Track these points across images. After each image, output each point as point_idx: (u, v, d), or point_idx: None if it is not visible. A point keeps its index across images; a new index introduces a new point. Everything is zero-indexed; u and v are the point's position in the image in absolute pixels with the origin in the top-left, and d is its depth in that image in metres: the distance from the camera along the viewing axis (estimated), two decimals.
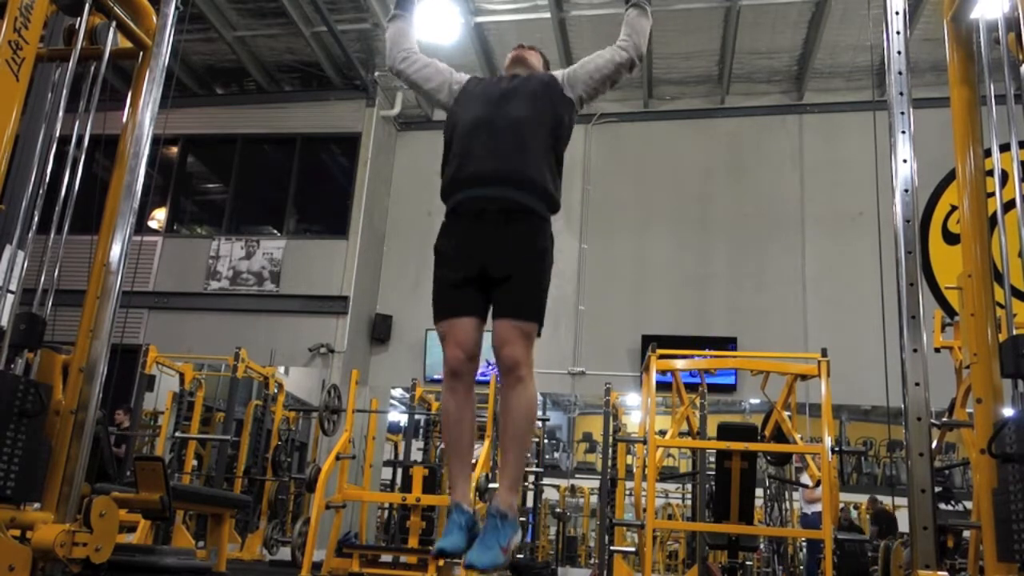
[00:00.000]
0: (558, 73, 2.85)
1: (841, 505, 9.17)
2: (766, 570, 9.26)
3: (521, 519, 10.33)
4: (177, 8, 3.14)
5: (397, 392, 12.34)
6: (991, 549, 2.21)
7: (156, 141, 3.09)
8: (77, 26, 2.81)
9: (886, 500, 12.41)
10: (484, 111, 2.72)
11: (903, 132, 2.71)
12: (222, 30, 10.15)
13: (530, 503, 10.82)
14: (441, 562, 6.12)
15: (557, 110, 2.74)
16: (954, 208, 8.46)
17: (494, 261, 2.55)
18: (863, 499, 12.46)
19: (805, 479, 8.25)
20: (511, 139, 2.64)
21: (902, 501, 8.54)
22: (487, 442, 6.57)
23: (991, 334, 2.38)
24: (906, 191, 2.66)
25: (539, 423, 9.85)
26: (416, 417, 8.57)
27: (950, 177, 8.53)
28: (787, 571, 9.15)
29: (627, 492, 7.90)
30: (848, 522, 10.57)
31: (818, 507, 8.35)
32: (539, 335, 2.59)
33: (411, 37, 2.95)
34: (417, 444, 8.77)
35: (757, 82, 10.61)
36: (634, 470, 6.79)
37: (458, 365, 2.56)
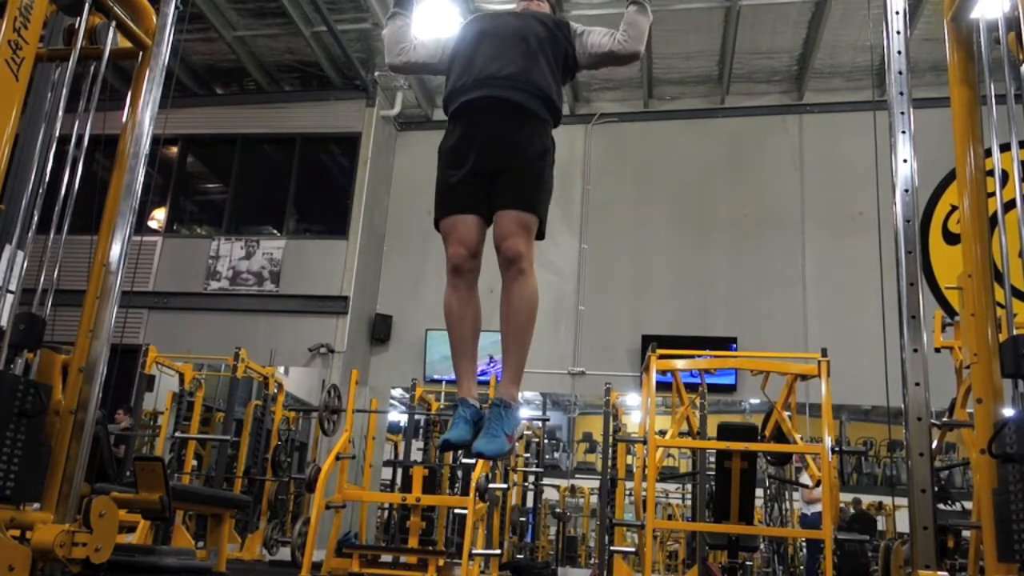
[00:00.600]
0: (574, 25, 2.88)
1: (841, 505, 9.17)
2: (766, 570, 9.26)
3: (521, 519, 10.36)
4: (177, 8, 3.13)
5: (397, 392, 12.34)
6: (991, 549, 2.21)
7: (156, 141, 3.09)
8: (77, 26, 2.81)
9: (871, 500, 12.43)
10: (490, 24, 2.78)
11: (903, 132, 2.71)
12: (222, 30, 10.15)
13: (530, 503, 10.84)
14: (441, 562, 6.13)
15: (563, 44, 2.77)
16: (954, 208, 8.46)
17: (495, 155, 2.57)
18: (864, 499, 12.47)
19: (805, 479, 8.25)
20: (517, 45, 2.67)
21: (902, 501, 8.53)
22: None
23: (991, 334, 2.38)
24: (906, 191, 2.66)
25: (539, 423, 9.86)
26: (416, 417, 8.57)
27: (950, 177, 8.54)
28: (787, 571, 9.15)
29: (627, 492, 7.90)
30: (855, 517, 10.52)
31: (818, 507, 8.35)
32: (542, 236, 2.59)
33: (407, 35, 2.96)
34: (417, 444, 8.77)
35: (757, 82, 10.61)
36: (634, 470, 6.79)
37: (460, 261, 2.57)
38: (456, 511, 7.64)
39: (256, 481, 8.29)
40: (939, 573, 2.31)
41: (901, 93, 2.74)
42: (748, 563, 6.87)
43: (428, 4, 8.92)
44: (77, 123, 2.87)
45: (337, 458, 6.14)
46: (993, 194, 2.59)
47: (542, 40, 2.71)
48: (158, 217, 11.48)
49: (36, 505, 2.56)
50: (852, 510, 10.74)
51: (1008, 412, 2.25)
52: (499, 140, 2.58)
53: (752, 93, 10.73)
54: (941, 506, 5.88)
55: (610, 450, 7.73)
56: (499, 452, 2.40)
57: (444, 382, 10.17)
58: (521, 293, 2.51)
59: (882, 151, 2.89)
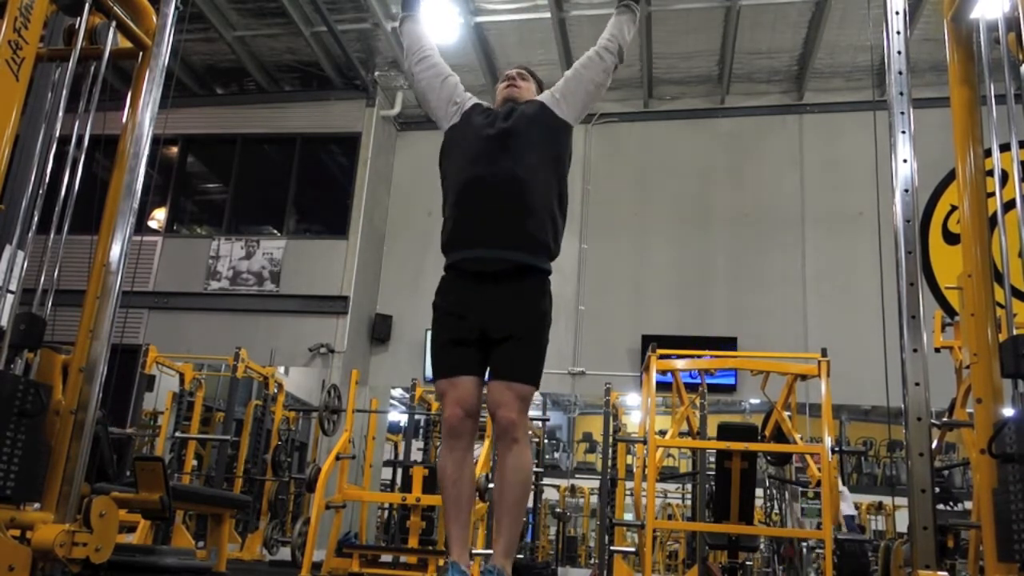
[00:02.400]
0: (546, 96, 2.82)
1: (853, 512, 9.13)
2: (766, 570, 9.26)
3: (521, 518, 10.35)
4: (177, 8, 3.13)
5: (397, 392, 12.34)
6: (991, 549, 2.21)
7: (156, 141, 3.09)
8: (77, 26, 2.81)
9: (871, 500, 12.42)
10: (481, 167, 2.68)
11: (903, 132, 2.71)
12: (222, 30, 10.15)
13: (530, 503, 10.83)
14: (441, 562, 6.13)
15: (555, 143, 2.74)
16: (954, 208, 8.46)
17: (493, 323, 2.57)
18: (864, 499, 12.47)
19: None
20: (510, 198, 2.64)
21: (902, 501, 8.52)
22: (487, 442, 6.57)
23: (991, 334, 2.38)
24: (906, 191, 2.66)
25: (539, 423, 9.85)
26: (416, 417, 8.57)
27: (950, 177, 8.52)
28: (787, 571, 9.14)
29: (627, 492, 7.90)
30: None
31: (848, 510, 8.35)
32: (536, 386, 2.62)
33: (426, 37, 2.94)
34: (417, 444, 8.77)
35: (757, 82, 10.61)
36: (634, 470, 6.79)
37: (457, 423, 2.58)
38: None
39: (256, 481, 8.29)
40: (939, 573, 2.32)
41: (901, 93, 2.74)
42: (748, 563, 6.87)
43: (428, 4, 8.92)
44: (77, 123, 2.87)
45: (337, 458, 6.14)
46: (993, 194, 2.59)
47: (535, 174, 2.66)
48: (158, 217, 11.48)
49: (36, 505, 2.56)
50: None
51: (1008, 412, 2.25)
52: (497, 308, 2.58)
53: (752, 93, 10.73)
54: (941, 506, 5.88)
55: (610, 450, 7.73)
56: None
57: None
58: (515, 466, 2.53)
59: (882, 151, 2.89)
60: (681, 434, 6.60)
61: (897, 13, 2.83)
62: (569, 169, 2.82)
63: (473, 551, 5.66)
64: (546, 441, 12.26)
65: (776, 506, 9.52)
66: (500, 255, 2.59)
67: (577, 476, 14.25)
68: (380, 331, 10.79)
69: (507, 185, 2.64)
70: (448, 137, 2.82)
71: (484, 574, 2.46)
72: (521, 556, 9.69)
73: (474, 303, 2.59)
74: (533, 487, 10.29)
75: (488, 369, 2.62)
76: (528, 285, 2.63)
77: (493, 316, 2.57)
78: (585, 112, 2.86)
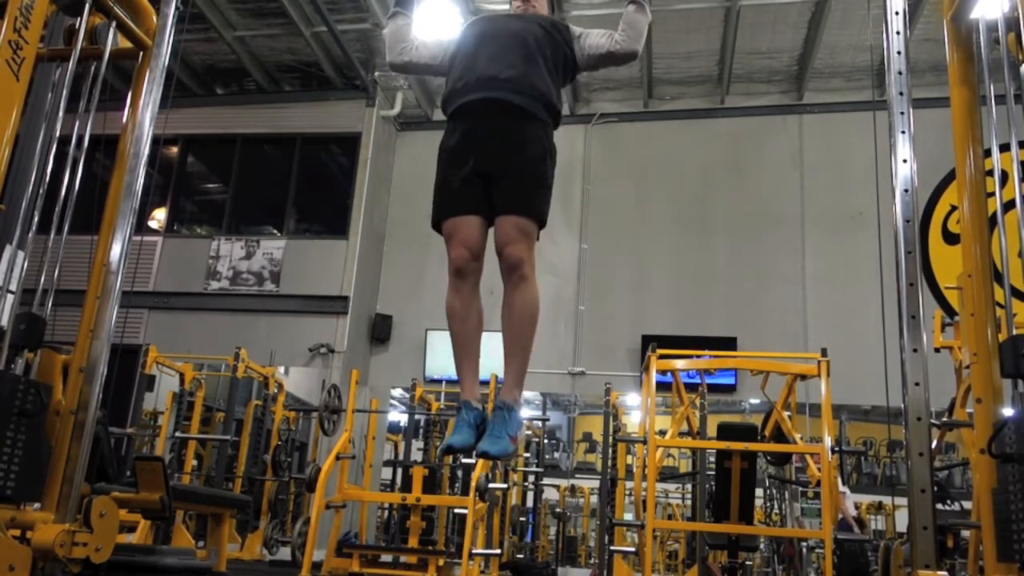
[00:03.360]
0: (574, 28, 2.88)
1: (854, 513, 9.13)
2: (766, 570, 9.26)
3: (521, 519, 10.36)
4: (177, 8, 3.14)
5: (397, 392, 12.34)
6: (991, 549, 2.21)
7: (156, 141, 3.09)
8: (77, 26, 2.81)
9: (871, 500, 12.41)
10: (490, 26, 2.78)
11: (903, 132, 2.71)
12: (222, 30, 10.15)
13: (530, 503, 10.83)
14: (441, 562, 6.13)
15: (562, 47, 2.78)
16: (954, 208, 8.45)
17: (496, 157, 2.56)
18: (864, 499, 12.47)
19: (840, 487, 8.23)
20: (517, 48, 2.67)
21: (902, 501, 8.53)
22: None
23: (991, 334, 2.38)
24: (906, 191, 2.66)
25: (539, 423, 9.86)
26: (416, 417, 8.57)
27: (950, 177, 8.52)
28: (787, 571, 9.14)
29: (627, 492, 7.90)
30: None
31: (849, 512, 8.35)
32: (538, 238, 2.60)
33: (409, 34, 2.96)
34: (417, 444, 8.78)
35: (757, 82, 10.62)
36: (634, 470, 6.79)
37: (463, 264, 2.56)
38: (456, 511, 7.64)
39: (256, 481, 8.29)
40: (939, 573, 2.32)
41: (901, 93, 2.74)
42: (748, 563, 6.87)
43: (429, 4, 8.92)
44: (77, 123, 2.87)
45: (337, 458, 6.14)
46: (993, 194, 2.59)
47: (541, 42, 2.71)
48: (158, 217, 11.48)
49: (36, 505, 2.56)
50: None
51: (1008, 412, 2.25)
52: (500, 143, 2.58)
53: (752, 93, 10.73)
54: (940, 506, 5.88)
55: (610, 450, 7.73)
56: (504, 453, 2.41)
57: (444, 382, 10.17)
58: (523, 300, 2.51)
59: (882, 151, 2.89)
60: (681, 434, 6.60)
61: (897, 13, 2.83)
62: (564, 82, 2.83)
63: (473, 551, 5.66)
64: (546, 441, 12.26)
65: (776, 506, 9.52)
66: (503, 96, 2.59)
67: (577, 476, 14.26)
68: (380, 331, 10.79)
69: (512, 37, 2.69)
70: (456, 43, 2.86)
71: (495, 409, 2.48)
72: (521, 556, 9.70)
73: (478, 141, 2.59)
74: (533, 487, 10.31)
75: (493, 210, 2.59)
76: (531, 126, 2.62)
77: (496, 151, 2.57)
78: (583, 68, 2.87)
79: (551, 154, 2.66)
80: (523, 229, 2.52)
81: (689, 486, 10.04)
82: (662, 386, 6.65)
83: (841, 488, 8.77)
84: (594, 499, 12.37)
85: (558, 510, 12.05)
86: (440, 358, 10.00)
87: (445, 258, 2.68)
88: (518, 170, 2.56)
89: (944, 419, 4.77)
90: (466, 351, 2.60)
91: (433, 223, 2.66)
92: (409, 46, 2.92)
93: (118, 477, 3.62)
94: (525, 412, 13.10)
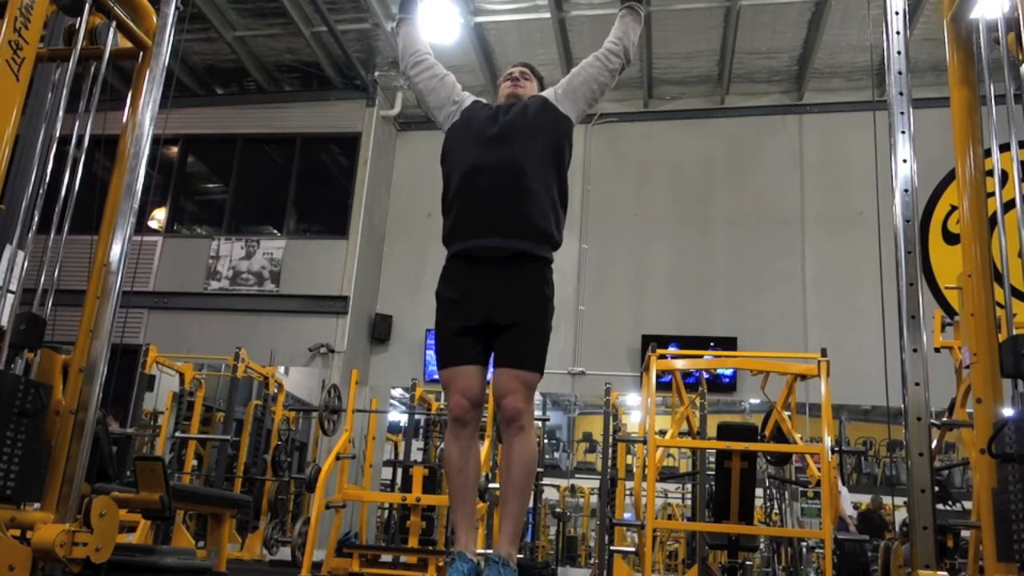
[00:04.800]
0: (548, 92, 2.85)
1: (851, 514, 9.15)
2: (766, 570, 9.26)
3: None
4: (177, 8, 3.13)
5: (397, 392, 12.34)
6: (991, 549, 2.21)
7: (156, 141, 3.09)
8: (77, 26, 2.81)
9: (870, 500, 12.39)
10: (482, 155, 2.69)
11: (903, 132, 2.71)
12: (222, 30, 10.15)
13: (530, 503, 10.83)
14: (441, 562, 6.13)
15: (556, 134, 2.75)
16: (954, 208, 8.47)
17: (497, 310, 2.57)
18: (864, 499, 12.46)
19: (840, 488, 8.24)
20: (511, 185, 2.63)
21: (902, 501, 8.52)
22: (487, 441, 6.57)
23: (991, 334, 2.38)
24: (906, 191, 2.66)
25: (539, 423, 9.85)
26: (416, 417, 8.57)
27: (950, 177, 8.54)
28: (787, 571, 9.14)
29: (627, 492, 7.90)
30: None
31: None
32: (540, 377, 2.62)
33: (421, 40, 2.95)
34: (417, 444, 8.77)
35: (757, 82, 10.61)
36: (634, 470, 6.79)
37: (462, 413, 2.59)
38: None
39: (256, 481, 8.29)
40: (939, 573, 2.32)
41: (901, 93, 2.74)
42: (748, 563, 6.87)
43: (428, 4, 8.92)
44: (77, 123, 2.87)
45: (337, 458, 6.14)
46: (993, 194, 2.59)
47: (535, 163, 2.66)
48: (158, 217, 11.48)
49: (36, 505, 2.56)
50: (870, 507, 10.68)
51: (1008, 412, 2.25)
52: (499, 295, 2.58)
53: (752, 93, 10.73)
54: (940, 506, 5.88)
55: (610, 450, 7.73)
56: None
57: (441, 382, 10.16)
58: (521, 452, 2.53)
59: (882, 151, 2.89)
60: (681, 434, 6.60)
61: (897, 13, 2.83)
62: (569, 165, 2.82)
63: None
64: (546, 441, 12.26)
65: (776, 506, 9.51)
66: (502, 244, 2.59)
67: (577, 476, 14.26)
68: (380, 331, 10.79)
69: (508, 172, 2.64)
70: (449, 135, 2.83)
71: (490, 563, 2.47)
72: (521, 556, 9.69)
73: (477, 290, 2.60)
74: (533, 487, 10.30)
75: (492, 356, 2.62)
76: (530, 271, 2.63)
77: (496, 303, 2.58)
78: (586, 111, 2.86)
79: (550, 302, 2.69)
80: (523, 381, 2.54)
81: (689, 486, 10.04)
82: (662, 386, 6.65)
83: (839, 488, 8.77)
84: (594, 499, 12.37)
85: (558, 510, 12.06)
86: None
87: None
88: (519, 325, 2.57)
89: (944, 419, 4.77)
90: (463, 501, 2.61)
91: (438, 367, 2.68)
92: (421, 64, 2.89)
93: (117, 476, 3.63)
94: None
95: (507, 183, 2.63)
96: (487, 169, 2.66)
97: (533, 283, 2.63)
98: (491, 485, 6.26)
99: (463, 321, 2.60)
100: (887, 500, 10.93)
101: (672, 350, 7.90)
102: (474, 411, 2.61)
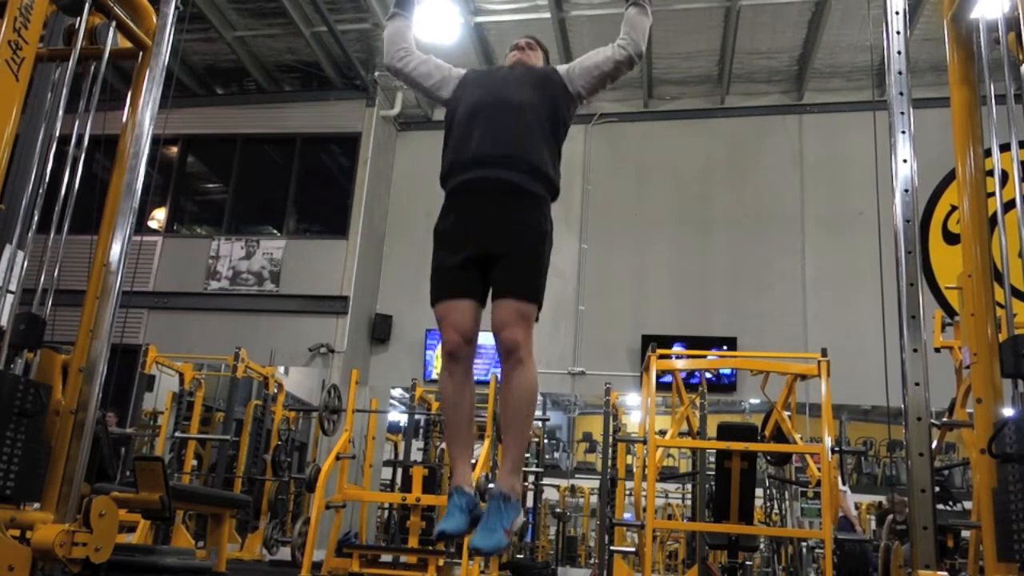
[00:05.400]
0: (559, 67, 2.86)
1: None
2: (766, 570, 9.25)
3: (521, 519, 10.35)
4: (177, 8, 3.14)
5: (397, 392, 12.34)
6: (991, 549, 2.21)
7: (156, 141, 3.09)
8: (77, 26, 2.81)
9: (871, 500, 12.39)
10: (485, 95, 2.73)
11: (903, 132, 2.71)
12: (222, 30, 10.15)
13: (530, 503, 10.83)
14: (441, 562, 6.13)
15: (558, 101, 2.76)
16: (954, 208, 8.46)
17: (493, 240, 2.55)
18: (864, 499, 12.47)
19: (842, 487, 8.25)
20: (512, 122, 2.64)
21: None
22: (487, 442, 6.57)
23: (991, 334, 2.38)
24: (906, 191, 2.66)
25: (539, 423, 9.84)
26: (416, 417, 8.56)
27: (950, 177, 8.54)
28: (787, 571, 9.14)
29: (627, 492, 7.90)
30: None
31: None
32: (537, 319, 2.57)
33: (409, 36, 2.95)
34: (417, 444, 8.77)
35: (757, 82, 10.61)
36: (634, 470, 6.79)
37: (456, 348, 2.55)
38: None
39: (256, 481, 8.29)
40: (939, 573, 2.32)
41: (901, 93, 2.74)
42: (748, 563, 6.87)
43: (429, 4, 8.92)
44: (77, 123, 2.87)
45: (337, 458, 6.14)
46: (993, 194, 2.59)
47: (537, 109, 2.69)
48: (158, 217, 11.47)
49: (36, 505, 2.56)
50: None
51: (1008, 412, 2.25)
52: (496, 224, 2.56)
53: (752, 93, 10.73)
54: (941, 506, 5.88)
55: (610, 450, 7.72)
56: (497, 548, 2.38)
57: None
58: (520, 384, 2.50)
59: (882, 151, 2.89)
60: (681, 434, 6.60)
61: (897, 13, 2.83)
62: (564, 136, 2.81)
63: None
64: (546, 441, 12.25)
65: (776, 506, 9.52)
66: (500, 175, 2.58)
67: (577, 476, 14.26)
68: (380, 331, 10.79)
69: (509, 111, 2.66)
70: (452, 100, 2.82)
71: (491, 499, 2.45)
72: (521, 556, 9.69)
73: (474, 222, 2.58)
74: (533, 487, 10.30)
75: (490, 293, 2.59)
76: (528, 205, 2.60)
77: (493, 233, 2.55)
78: (590, 92, 2.84)
79: (549, 234, 2.64)
80: (520, 313, 2.50)
81: (689, 486, 10.04)
82: (662, 386, 6.65)
83: (842, 487, 8.78)
84: (594, 499, 12.37)
85: (558, 510, 12.05)
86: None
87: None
88: (516, 254, 2.54)
89: (944, 419, 4.77)
90: (458, 436, 2.59)
91: (431, 302, 2.64)
92: (406, 53, 2.89)
93: (116, 470, 3.63)
94: None
95: (507, 122, 2.64)
96: (488, 108, 2.68)
97: (531, 215, 2.59)
98: (491, 485, 6.25)
99: (459, 254, 2.57)
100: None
101: (676, 350, 7.92)
102: (467, 347, 2.56)
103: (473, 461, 2.79)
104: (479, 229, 2.56)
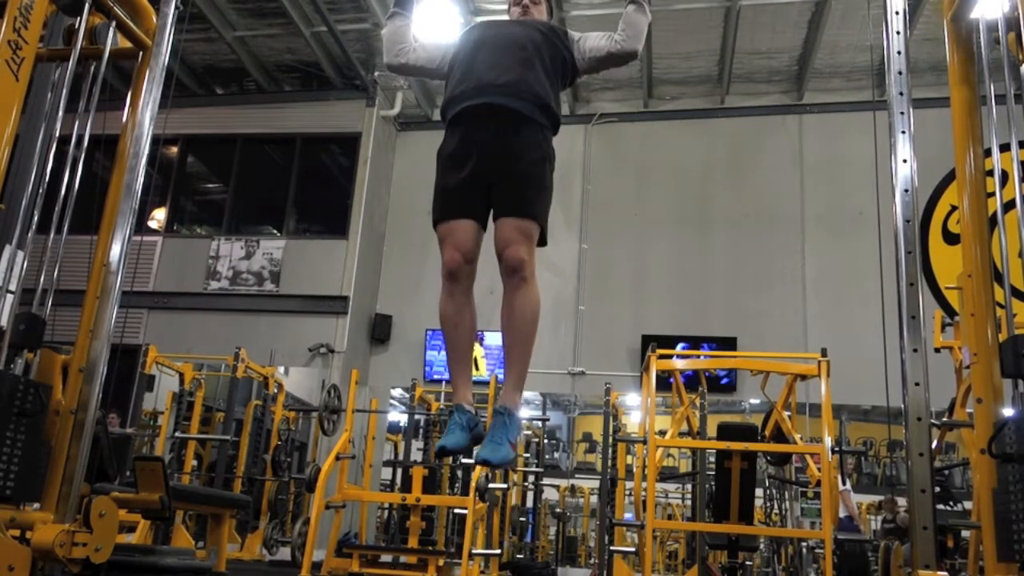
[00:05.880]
0: (572, 32, 2.88)
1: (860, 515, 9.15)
2: (766, 570, 9.25)
3: (521, 519, 10.36)
4: (177, 8, 3.13)
5: (397, 392, 12.34)
6: (991, 549, 2.21)
7: (156, 141, 3.09)
8: (77, 26, 2.81)
9: (871, 500, 12.39)
10: (488, 32, 2.78)
11: (903, 132, 2.71)
12: (222, 30, 10.15)
13: (530, 503, 10.83)
14: (441, 562, 6.13)
15: (561, 52, 2.78)
16: (954, 208, 8.46)
17: (495, 161, 2.56)
18: (864, 499, 12.47)
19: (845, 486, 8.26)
20: (515, 53, 2.66)
21: (901, 501, 8.55)
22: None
23: (991, 334, 2.38)
24: (906, 191, 2.66)
25: (539, 423, 9.85)
26: (416, 417, 8.57)
27: (950, 177, 8.53)
28: (787, 571, 9.15)
29: (627, 492, 7.90)
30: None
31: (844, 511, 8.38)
32: (544, 243, 2.59)
33: (408, 35, 2.96)
34: (417, 444, 8.77)
35: (757, 82, 10.61)
36: (634, 470, 6.79)
37: (456, 268, 2.56)
38: (456, 511, 7.63)
39: (256, 481, 8.29)
40: (939, 573, 2.32)
41: (901, 93, 2.74)
42: (748, 563, 6.87)
43: (428, 4, 8.92)
44: (77, 123, 2.87)
45: (337, 458, 6.14)
46: (993, 194, 2.59)
47: (540, 46, 2.71)
48: (158, 217, 11.48)
49: (36, 505, 2.56)
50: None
51: (1008, 412, 2.25)
52: (498, 146, 2.57)
53: (752, 93, 10.73)
54: (941, 506, 5.89)
55: (610, 450, 7.72)
56: (504, 460, 2.41)
57: (444, 382, 10.16)
58: (524, 302, 2.50)
59: (882, 151, 2.89)
60: (681, 434, 6.60)
61: (897, 13, 2.83)
62: (565, 86, 2.84)
63: (473, 551, 5.66)
64: (546, 441, 12.25)
65: (776, 506, 9.52)
66: (501, 101, 2.58)
67: (577, 476, 14.26)
68: (380, 331, 10.79)
69: (511, 41, 2.69)
70: (454, 53, 2.84)
71: (495, 414, 2.48)
72: (521, 556, 9.69)
73: (477, 144, 2.59)
74: (533, 487, 10.31)
75: (492, 213, 2.60)
76: (531, 130, 2.61)
77: (496, 155, 2.56)
78: (583, 70, 2.86)
79: (550, 158, 2.66)
80: (523, 231, 2.51)
81: (689, 486, 10.04)
82: (662, 386, 6.65)
83: (845, 487, 8.79)
84: (594, 499, 12.37)
85: (558, 510, 12.05)
86: (440, 358, 10.00)
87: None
88: (517, 173, 2.56)
89: (944, 419, 4.77)
90: (458, 355, 2.61)
91: (433, 223, 2.67)
92: (407, 47, 2.91)
93: (117, 471, 3.63)
94: (525, 412, 13.10)
95: (511, 51, 2.66)
96: (492, 40, 2.72)
97: (533, 139, 2.61)
98: (491, 485, 6.26)
99: (460, 173, 2.58)
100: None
101: (680, 350, 7.91)
102: (467, 266, 2.57)
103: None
104: (481, 153, 2.58)
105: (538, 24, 2.84)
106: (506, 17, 3.01)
